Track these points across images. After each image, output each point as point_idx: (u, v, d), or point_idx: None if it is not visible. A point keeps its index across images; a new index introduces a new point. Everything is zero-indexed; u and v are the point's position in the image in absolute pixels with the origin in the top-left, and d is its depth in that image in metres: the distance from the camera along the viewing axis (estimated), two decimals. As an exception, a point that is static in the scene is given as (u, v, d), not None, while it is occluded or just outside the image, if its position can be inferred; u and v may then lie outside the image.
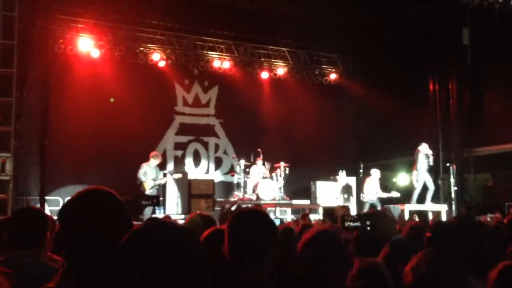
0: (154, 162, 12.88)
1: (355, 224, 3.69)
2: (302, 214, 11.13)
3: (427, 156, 13.07)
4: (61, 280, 1.78)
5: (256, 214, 2.31)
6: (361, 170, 14.92)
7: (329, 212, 11.24)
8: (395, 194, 13.83)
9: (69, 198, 2.02)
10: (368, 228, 3.72)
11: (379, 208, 13.40)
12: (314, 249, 2.61)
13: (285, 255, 3.31)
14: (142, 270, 1.48)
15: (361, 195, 14.00)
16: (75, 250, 1.79)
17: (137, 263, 1.49)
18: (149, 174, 12.63)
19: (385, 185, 14.69)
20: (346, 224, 3.71)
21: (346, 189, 14.66)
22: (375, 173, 13.92)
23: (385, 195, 13.78)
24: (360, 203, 15.11)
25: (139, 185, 12.52)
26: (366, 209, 13.42)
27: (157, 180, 12.71)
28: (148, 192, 12.46)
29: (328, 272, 2.41)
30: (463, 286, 2.13)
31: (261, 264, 2.14)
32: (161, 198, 12.80)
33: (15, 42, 10.34)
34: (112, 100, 14.22)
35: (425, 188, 13.26)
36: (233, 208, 3.55)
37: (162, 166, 15.19)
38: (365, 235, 3.79)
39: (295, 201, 14.63)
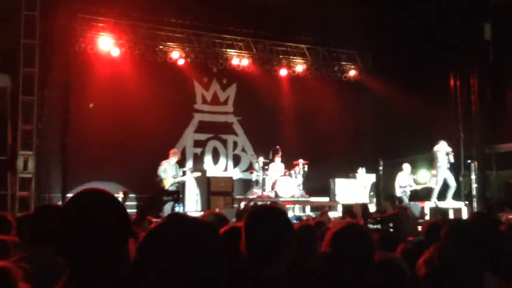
0: (173, 159, 12.98)
1: (377, 226, 3.68)
2: (321, 211, 11.11)
3: (447, 153, 12.96)
4: (66, 282, 1.80)
5: (272, 211, 2.33)
6: (381, 168, 14.84)
7: (348, 209, 11.19)
8: (429, 184, 13.87)
9: (66, 201, 2.02)
10: (391, 230, 3.71)
11: (406, 202, 13.49)
12: (343, 246, 2.58)
13: (302, 252, 3.31)
14: (163, 265, 1.51)
15: (395, 190, 14.07)
16: (75, 253, 1.80)
17: (158, 257, 1.52)
18: (168, 171, 12.73)
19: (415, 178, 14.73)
20: (369, 225, 3.70)
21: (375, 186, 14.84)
22: (407, 167, 14.16)
23: (419, 187, 14.02)
24: (379, 201, 15.05)
25: (159, 182, 12.63)
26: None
27: (177, 178, 12.82)
28: (167, 189, 12.58)
29: (354, 271, 2.39)
30: (477, 281, 2.11)
31: (277, 261, 2.15)
32: (180, 196, 12.89)
33: (37, 41, 10.52)
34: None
35: (446, 186, 13.16)
36: (249, 206, 3.56)
37: (181, 164, 15.29)
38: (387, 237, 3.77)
39: (314, 198, 14.61)
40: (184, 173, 13.49)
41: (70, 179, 13.06)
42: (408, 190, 14.00)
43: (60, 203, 10.85)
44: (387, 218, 4.15)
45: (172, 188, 12.64)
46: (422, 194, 14.73)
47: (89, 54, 13.97)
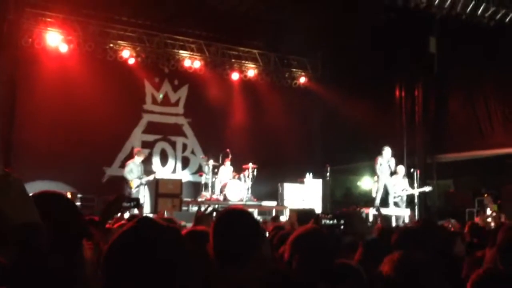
0: (138, 159, 12.80)
1: (331, 222, 3.77)
2: (273, 216, 11.20)
3: (388, 160, 13.27)
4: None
5: (242, 214, 2.36)
6: (327, 173, 15.09)
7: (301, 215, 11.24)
8: (427, 188, 13.43)
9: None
10: (342, 226, 3.81)
11: (403, 208, 13.30)
12: (305, 250, 2.64)
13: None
14: (131, 269, 1.51)
15: (389, 196, 13.38)
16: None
17: (127, 262, 1.52)
18: (134, 172, 12.53)
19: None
20: (323, 222, 3.79)
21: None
22: (401, 170, 13.56)
23: (415, 191, 13.44)
24: (325, 206, 15.29)
25: (126, 183, 12.43)
26: (402, 211, 13.17)
27: (143, 178, 12.62)
28: (133, 190, 12.38)
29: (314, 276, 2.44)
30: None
31: (247, 263, 2.19)
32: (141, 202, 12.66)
33: (-17, 34, 10.15)
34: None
35: (386, 192, 13.46)
36: (209, 209, 3.57)
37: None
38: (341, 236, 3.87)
39: (262, 203, 14.69)
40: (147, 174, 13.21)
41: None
42: (404, 195, 13.44)
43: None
44: (339, 215, 4.26)
45: (138, 190, 12.42)
46: (367, 200, 15.08)
47: (36, 49, 13.59)
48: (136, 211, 6.63)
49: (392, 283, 2.14)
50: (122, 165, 14.89)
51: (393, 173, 13.41)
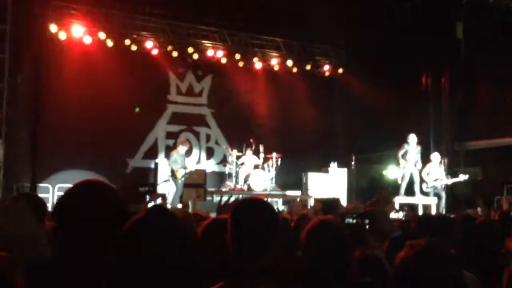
0: (183, 148, 12.88)
1: (354, 221, 3.70)
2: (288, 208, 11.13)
3: (415, 148, 13.09)
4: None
5: (259, 204, 2.31)
6: (352, 162, 14.97)
7: (326, 204, 11.18)
8: (462, 177, 12.97)
9: (62, 194, 2.01)
10: (367, 226, 3.73)
11: (443, 197, 13.01)
12: (320, 240, 2.59)
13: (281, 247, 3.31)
14: (149, 255, 1.52)
15: (423, 184, 13.12)
16: (74, 245, 1.81)
17: (143, 248, 1.53)
18: (179, 162, 12.61)
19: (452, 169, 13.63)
20: (346, 220, 3.72)
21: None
22: (436, 157, 13.11)
23: (451, 180, 13.07)
24: (350, 195, 15.19)
25: (172, 174, 12.52)
26: (429, 199, 12.88)
27: (188, 168, 12.70)
28: (179, 180, 12.47)
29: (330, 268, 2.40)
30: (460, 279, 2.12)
31: (265, 255, 2.14)
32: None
33: (8, 26, 10.27)
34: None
35: (411, 181, 13.29)
36: (231, 199, 3.56)
37: (154, 156, 15.22)
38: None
39: (286, 192, 14.66)
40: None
41: (40, 169, 12.84)
42: (438, 185, 13.00)
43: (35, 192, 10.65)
44: (363, 214, 4.17)
45: (183, 180, 12.54)
46: (392, 189, 14.91)
47: (61, 42, 13.71)
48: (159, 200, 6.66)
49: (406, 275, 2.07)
50: (145, 157, 15.06)
51: (425, 161, 13.18)
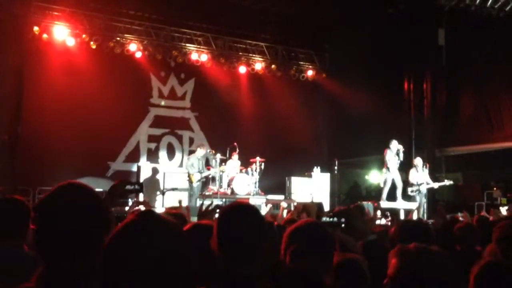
0: (200, 152, 12.81)
1: (330, 220, 3.72)
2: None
3: (397, 153, 13.18)
4: (41, 279, 1.76)
5: (247, 209, 2.30)
6: (335, 167, 15.03)
7: (305, 208, 11.24)
8: (448, 182, 13.12)
9: (42, 196, 1.99)
10: (343, 225, 3.75)
11: (422, 201, 13.05)
12: (304, 241, 2.58)
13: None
14: (137, 261, 1.48)
15: (408, 188, 13.19)
16: (54, 249, 1.78)
17: (132, 254, 1.49)
18: (195, 166, 12.51)
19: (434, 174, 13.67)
20: (322, 219, 3.73)
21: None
22: (419, 162, 13.25)
23: (437, 184, 13.17)
24: (333, 200, 15.25)
25: (187, 178, 12.51)
26: (410, 204, 12.87)
27: (204, 172, 12.61)
28: (195, 184, 12.35)
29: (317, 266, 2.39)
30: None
31: (253, 260, 2.13)
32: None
33: (-11, 27, 10.15)
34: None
35: (394, 186, 13.38)
36: (213, 205, 3.53)
37: (136, 159, 15.14)
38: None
39: (269, 196, 14.64)
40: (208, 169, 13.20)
41: (20, 171, 12.69)
42: (424, 189, 13.08)
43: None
44: (339, 213, 4.19)
45: (199, 184, 12.60)
46: (375, 195, 15.01)
47: (43, 43, 13.60)
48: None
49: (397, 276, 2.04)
50: (127, 160, 14.97)
51: (403, 166, 13.29)
